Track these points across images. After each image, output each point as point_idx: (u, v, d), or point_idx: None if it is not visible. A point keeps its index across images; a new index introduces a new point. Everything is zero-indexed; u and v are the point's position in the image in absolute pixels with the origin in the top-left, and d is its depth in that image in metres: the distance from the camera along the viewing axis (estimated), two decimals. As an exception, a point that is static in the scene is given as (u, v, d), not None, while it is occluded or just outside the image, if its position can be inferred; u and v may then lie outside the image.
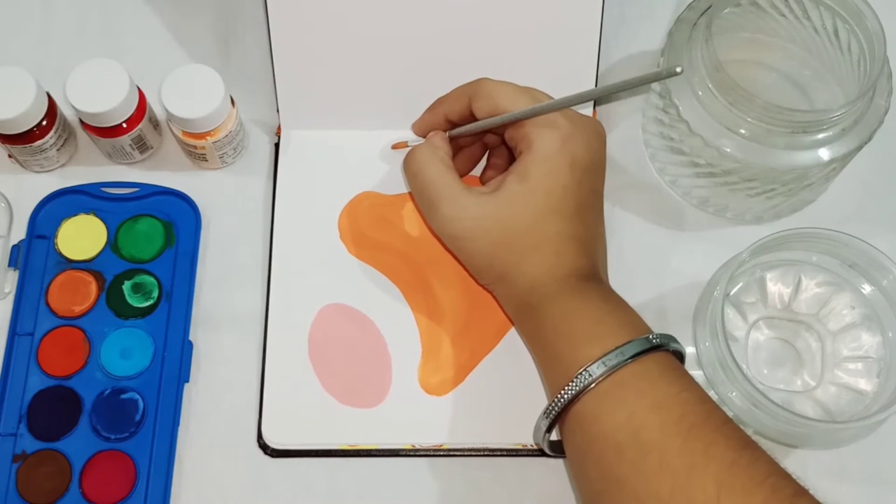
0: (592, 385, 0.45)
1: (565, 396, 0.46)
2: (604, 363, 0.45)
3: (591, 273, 0.50)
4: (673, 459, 0.43)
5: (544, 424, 0.48)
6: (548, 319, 0.49)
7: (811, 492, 0.43)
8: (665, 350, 0.47)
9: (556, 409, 0.46)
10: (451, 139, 0.56)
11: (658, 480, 0.43)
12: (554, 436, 0.49)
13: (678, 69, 0.45)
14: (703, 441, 0.43)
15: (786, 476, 0.43)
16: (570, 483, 0.53)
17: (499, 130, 0.55)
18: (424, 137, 0.57)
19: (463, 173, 0.58)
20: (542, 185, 0.50)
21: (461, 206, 0.51)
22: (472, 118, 0.54)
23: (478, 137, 0.58)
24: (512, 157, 0.54)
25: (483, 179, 0.58)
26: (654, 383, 0.45)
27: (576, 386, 0.45)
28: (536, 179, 0.50)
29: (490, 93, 0.53)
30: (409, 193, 0.59)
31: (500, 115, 0.52)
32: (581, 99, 0.51)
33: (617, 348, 0.45)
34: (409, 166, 0.54)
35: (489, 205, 0.50)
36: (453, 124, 0.56)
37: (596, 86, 0.59)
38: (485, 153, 0.59)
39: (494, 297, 0.55)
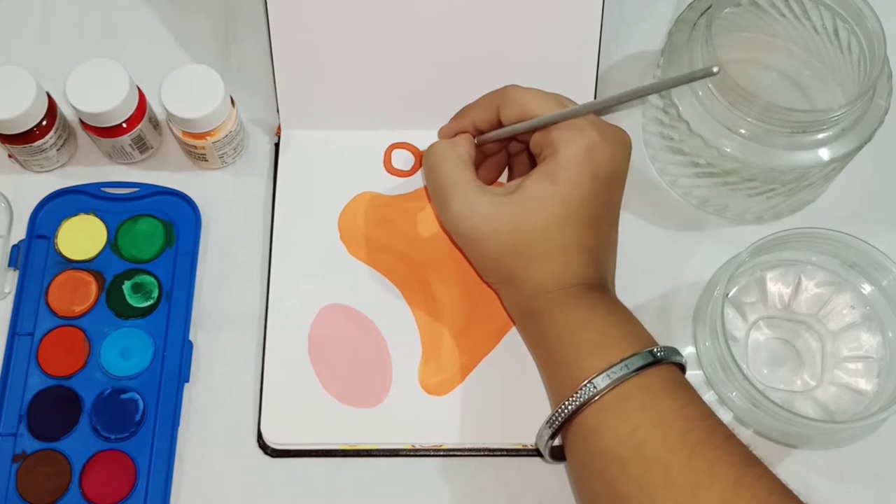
0: (596, 397, 0.45)
1: (569, 408, 0.46)
2: (608, 376, 0.45)
3: (598, 283, 0.50)
4: (677, 477, 0.42)
5: (547, 434, 0.48)
6: (552, 327, 0.49)
7: (812, 493, 0.43)
8: (668, 363, 0.47)
9: (560, 419, 0.46)
10: (479, 146, 0.55)
11: (662, 498, 0.42)
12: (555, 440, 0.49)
13: (714, 69, 0.43)
14: (707, 458, 0.43)
15: (789, 494, 0.43)
16: (571, 483, 0.53)
17: (523, 137, 0.54)
18: None
19: (491, 180, 0.58)
20: (560, 193, 0.49)
21: (472, 205, 0.50)
22: (500, 126, 0.54)
23: (503, 145, 0.57)
24: (533, 165, 0.53)
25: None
26: (658, 397, 0.45)
27: (580, 398, 0.45)
28: (554, 186, 0.49)
29: (520, 100, 0.52)
30: (411, 194, 0.59)
31: (531, 120, 0.51)
32: (613, 101, 0.49)
33: (622, 361, 0.45)
34: (426, 160, 0.54)
35: (502, 206, 0.50)
36: (480, 132, 0.55)
37: (595, 86, 0.59)
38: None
39: (499, 297, 0.55)
